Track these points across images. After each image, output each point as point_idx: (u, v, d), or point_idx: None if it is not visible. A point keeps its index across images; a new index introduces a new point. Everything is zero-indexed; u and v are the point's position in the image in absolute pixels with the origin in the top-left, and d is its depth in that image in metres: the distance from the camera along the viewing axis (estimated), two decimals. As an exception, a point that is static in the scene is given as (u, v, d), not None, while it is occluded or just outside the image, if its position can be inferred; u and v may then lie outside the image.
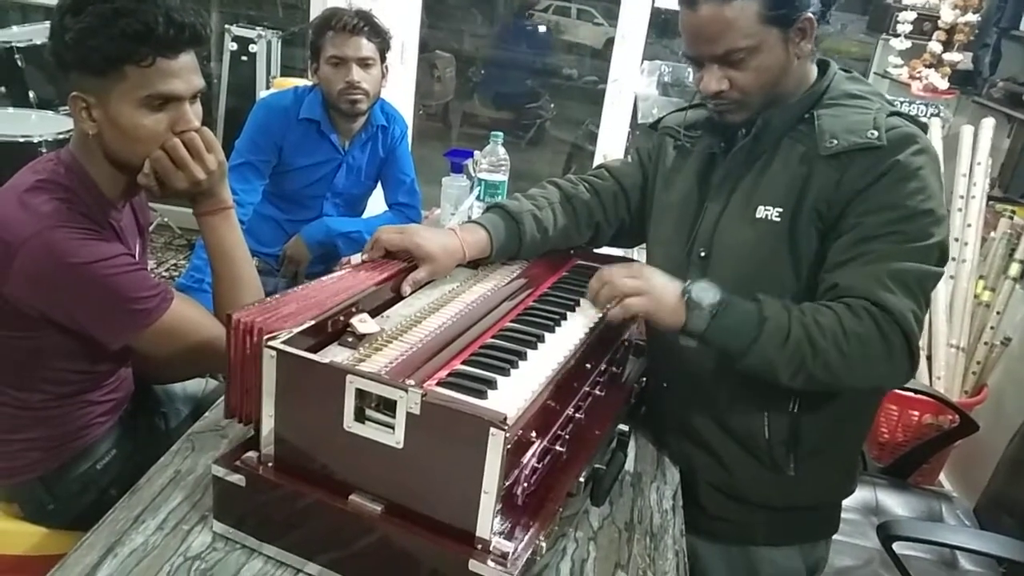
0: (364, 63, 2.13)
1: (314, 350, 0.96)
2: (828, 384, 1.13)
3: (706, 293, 1.12)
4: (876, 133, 1.13)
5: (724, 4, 1.12)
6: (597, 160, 3.51)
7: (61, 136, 2.86)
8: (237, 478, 0.98)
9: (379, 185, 2.46)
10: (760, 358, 1.11)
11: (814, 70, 1.25)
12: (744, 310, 1.12)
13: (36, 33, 3.27)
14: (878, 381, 1.16)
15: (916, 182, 1.12)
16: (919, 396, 2.38)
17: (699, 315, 1.11)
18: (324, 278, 1.14)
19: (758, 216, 1.20)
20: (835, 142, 1.15)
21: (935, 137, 2.81)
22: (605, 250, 1.56)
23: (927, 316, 2.61)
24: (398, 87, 3.36)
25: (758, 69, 1.16)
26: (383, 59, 2.19)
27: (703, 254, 1.27)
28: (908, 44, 3.23)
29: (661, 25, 3.88)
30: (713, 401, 1.28)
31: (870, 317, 1.08)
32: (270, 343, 0.92)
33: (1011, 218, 2.68)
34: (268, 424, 0.97)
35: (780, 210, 1.19)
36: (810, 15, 1.15)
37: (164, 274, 3.64)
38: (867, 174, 1.13)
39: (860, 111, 1.18)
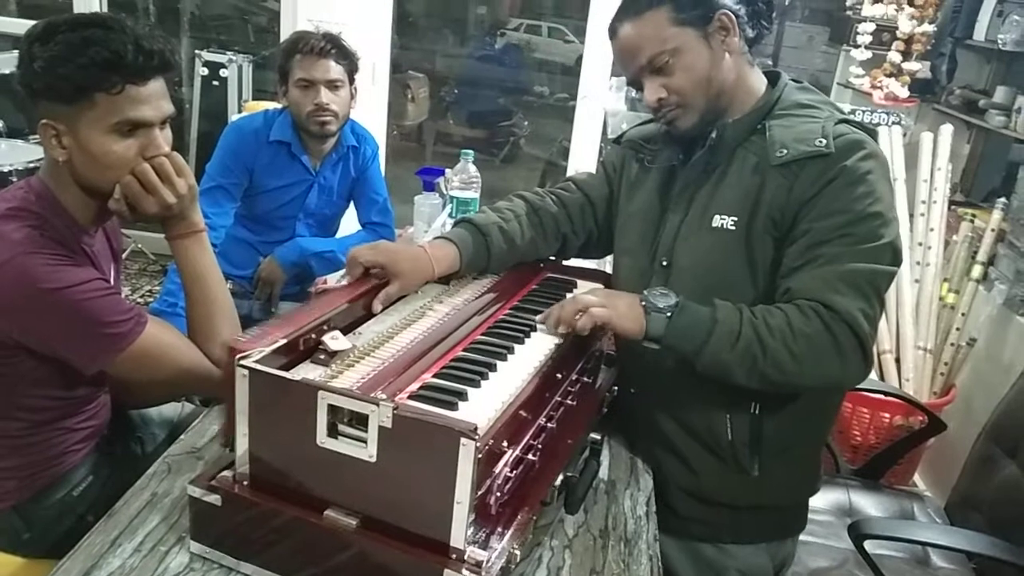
0: (332, 85, 2.15)
1: (287, 368, 0.98)
2: (783, 384, 1.16)
3: (661, 298, 1.17)
4: (824, 141, 1.17)
5: (636, 19, 1.22)
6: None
7: (31, 165, 2.86)
8: (213, 498, 0.99)
9: (352, 205, 2.48)
10: (713, 359, 1.15)
11: (763, 81, 1.29)
12: (697, 313, 1.16)
13: (4, 62, 3.26)
14: (831, 380, 1.18)
15: (864, 186, 1.15)
16: (889, 398, 2.43)
17: (657, 319, 1.16)
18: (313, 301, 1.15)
19: (715, 225, 1.24)
20: (785, 151, 1.19)
21: (896, 144, 2.88)
22: (575, 262, 1.59)
23: (895, 319, 2.68)
24: (371, 108, 3.38)
25: (686, 69, 1.22)
26: (352, 80, 2.22)
27: (665, 263, 1.31)
28: (869, 54, 3.31)
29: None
30: (678, 404, 1.32)
31: (818, 317, 1.12)
32: (242, 362, 0.93)
33: (972, 221, 2.75)
34: (243, 443, 0.98)
35: (736, 218, 1.22)
36: (727, 12, 1.21)
37: (139, 300, 3.62)
38: (817, 181, 1.17)
39: (809, 120, 1.22)
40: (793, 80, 1.31)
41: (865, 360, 1.14)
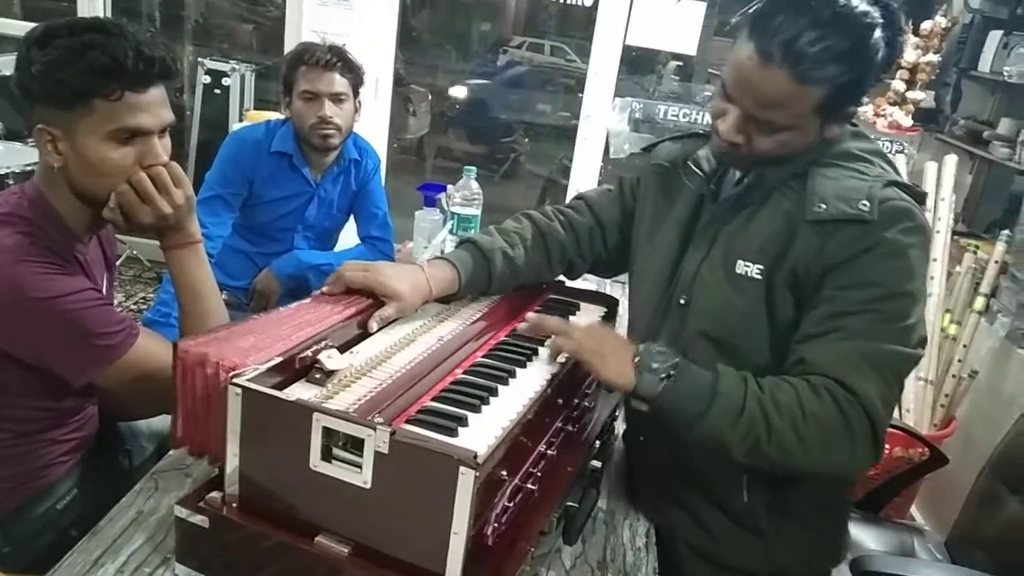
0: (337, 98, 2.13)
1: (281, 387, 0.95)
2: (783, 467, 1.08)
3: (659, 357, 1.09)
4: (868, 205, 1.07)
5: (790, 77, 1.03)
6: (570, 195, 3.54)
7: (28, 168, 2.83)
8: (200, 519, 0.96)
9: (352, 218, 2.45)
10: (709, 433, 1.06)
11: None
12: (697, 379, 1.08)
13: (4, 64, 3.24)
14: (837, 467, 1.09)
15: (902, 262, 1.07)
16: (889, 429, 2.39)
17: (650, 379, 1.08)
18: (280, 308, 1.13)
19: (738, 271, 1.16)
20: (824, 207, 1.09)
21: (900, 173, 2.87)
22: (579, 283, 1.56)
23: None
24: (372, 121, 3.37)
25: (783, 143, 1.11)
26: (356, 94, 2.20)
27: (683, 301, 1.23)
28: (872, 83, 3.30)
29: (632, 62, 3.94)
30: (691, 459, 1.22)
31: (832, 398, 1.04)
32: (235, 380, 0.90)
33: (975, 252, 2.73)
34: (232, 463, 0.94)
35: (760, 267, 1.14)
36: (856, 108, 1.13)
37: (132, 307, 3.58)
38: (851, 246, 1.07)
39: (856, 176, 1.12)
40: (850, 124, 1.20)
41: (876, 449, 1.05)
